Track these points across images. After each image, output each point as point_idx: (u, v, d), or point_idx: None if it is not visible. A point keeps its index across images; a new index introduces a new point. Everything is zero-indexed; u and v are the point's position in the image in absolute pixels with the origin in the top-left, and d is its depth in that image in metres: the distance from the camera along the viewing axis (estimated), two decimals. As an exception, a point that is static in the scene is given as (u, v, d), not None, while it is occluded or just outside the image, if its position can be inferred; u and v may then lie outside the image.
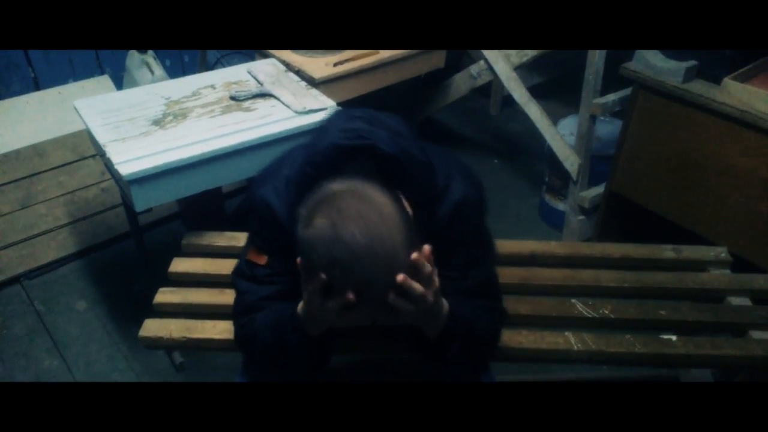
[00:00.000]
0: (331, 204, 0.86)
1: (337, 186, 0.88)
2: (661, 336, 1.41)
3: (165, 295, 1.51)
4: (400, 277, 0.88)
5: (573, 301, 1.49)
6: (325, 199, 0.88)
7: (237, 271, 1.19)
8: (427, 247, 0.92)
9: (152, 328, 1.42)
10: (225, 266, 1.59)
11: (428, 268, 0.92)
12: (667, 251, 1.66)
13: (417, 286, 0.91)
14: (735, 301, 1.54)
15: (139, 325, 1.43)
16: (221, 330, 1.41)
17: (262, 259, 1.13)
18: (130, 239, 2.25)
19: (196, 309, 1.49)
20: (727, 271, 1.63)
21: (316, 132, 1.07)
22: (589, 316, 1.46)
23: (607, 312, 1.46)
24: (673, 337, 1.40)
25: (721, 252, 1.66)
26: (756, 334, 1.43)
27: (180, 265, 1.60)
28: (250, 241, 1.16)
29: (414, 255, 0.89)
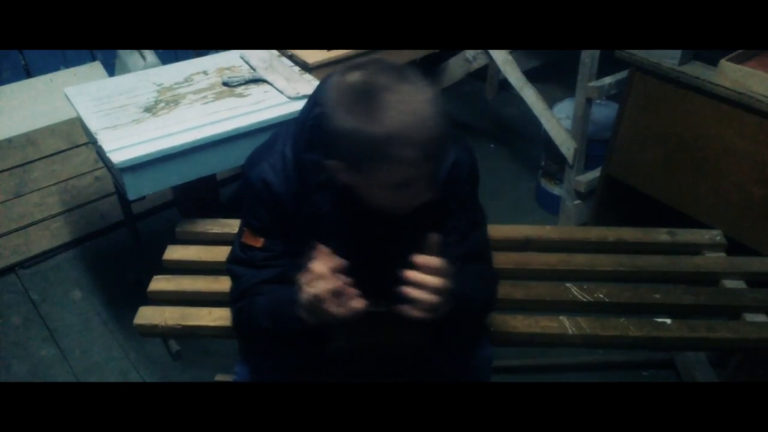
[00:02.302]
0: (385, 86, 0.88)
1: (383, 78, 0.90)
2: (656, 319, 1.41)
3: (159, 283, 1.50)
4: (419, 261, 0.92)
5: (568, 285, 1.49)
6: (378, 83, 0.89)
7: (232, 257, 1.18)
8: (434, 237, 0.95)
9: (147, 315, 1.42)
10: (219, 253, 1.58)
11: (436, 262, 0.93)
12: (662, 234, 1.66)
13: (432, 279, 0.93)
14: (730, 284, 1.54)
15: (135, 313, 1.42)
16: (216, 317, 1.40)
17: (258, 242, 1.11)
18: (125, 228, 2.24)
19: (191, 296, 1.49)
20: (722, 254, 1.62)
21: (309, 101, 1.06)
22: (584, 300, 1.46)
23: (601, 296, 1.47)
24: (668, 321, 1.40)
25: (716, 235, 1.66)
26: (750, 317, 1.43)
27: (174, 252, 1.59)
28: (245, 224, 1.14)
29: (420, 258, 0.92)
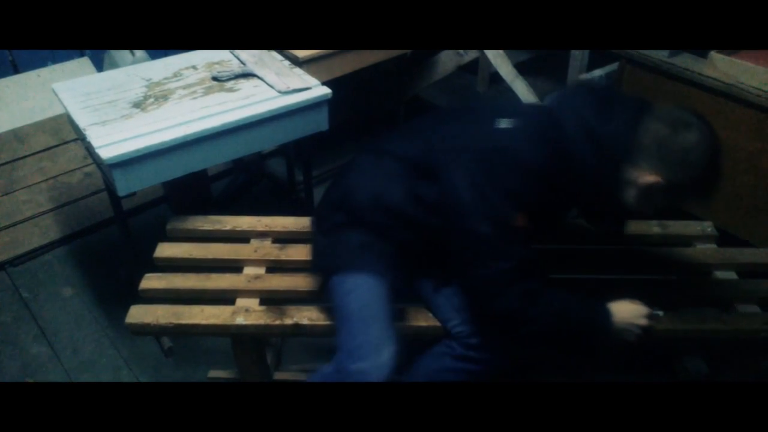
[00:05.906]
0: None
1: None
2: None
3: (151, 281, 1.50)
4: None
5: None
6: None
7: (506, 237, 1.20)
8: None
9: (139, 314, 1.41)
10: (211, 250, 1.57)
11: None
12: (654, 227, 1.67)
13: None
14: (721, 275, 1.55)
15: (126, 310, 1.41)
16: (208, 315, 1.40)
17: (525, 220, 1.19)
18: (115, 224, 2.22)
19: (182, 294, 1.48)
20: (714, 246, 1.63)
21: (555, 107, 1.25)
22: (577, 292, 1.46)
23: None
24: (660, 312, 1.41)
25: (708, 227, 1.67)
26: (742, 308, 1.45)
27: (165, 250, 1.58)
28: (516, 208, 1.19)
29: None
